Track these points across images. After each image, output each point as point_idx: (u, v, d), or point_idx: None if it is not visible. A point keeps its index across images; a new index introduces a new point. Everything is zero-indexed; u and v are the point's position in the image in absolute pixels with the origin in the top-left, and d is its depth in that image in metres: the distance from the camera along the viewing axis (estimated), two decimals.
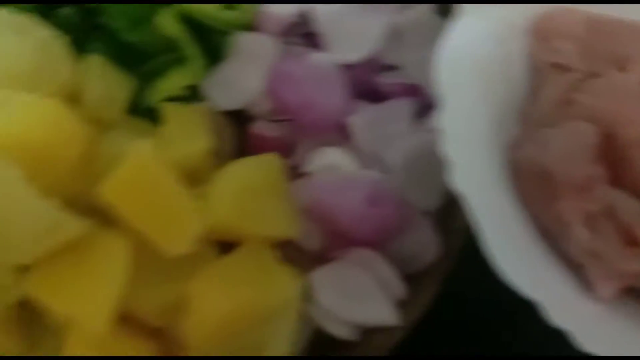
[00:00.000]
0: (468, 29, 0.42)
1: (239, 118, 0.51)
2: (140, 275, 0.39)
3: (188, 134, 0.45)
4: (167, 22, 0.48)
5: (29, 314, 0.41)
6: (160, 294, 0.40)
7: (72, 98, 0.43)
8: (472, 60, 0.42)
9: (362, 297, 0.44)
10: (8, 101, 0.40)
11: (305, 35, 0.50)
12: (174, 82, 0.49)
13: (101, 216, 0.41)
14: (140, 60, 0.50)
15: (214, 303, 0.40)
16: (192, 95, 0.50)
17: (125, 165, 0.39)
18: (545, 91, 0.44)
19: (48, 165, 0.40)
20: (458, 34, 0.41)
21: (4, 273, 0.40)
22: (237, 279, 0.41)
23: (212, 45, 0.50)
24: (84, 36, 0.48)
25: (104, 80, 0.45)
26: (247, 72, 0.49)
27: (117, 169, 0.39)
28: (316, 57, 0.46)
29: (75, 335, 0.38)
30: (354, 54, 0.46)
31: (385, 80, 0.46)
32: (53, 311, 0.39)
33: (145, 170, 0.40)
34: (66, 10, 0.49)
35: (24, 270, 0.40)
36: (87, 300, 0.38)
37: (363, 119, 0.45)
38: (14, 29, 0.43)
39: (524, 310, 0.38)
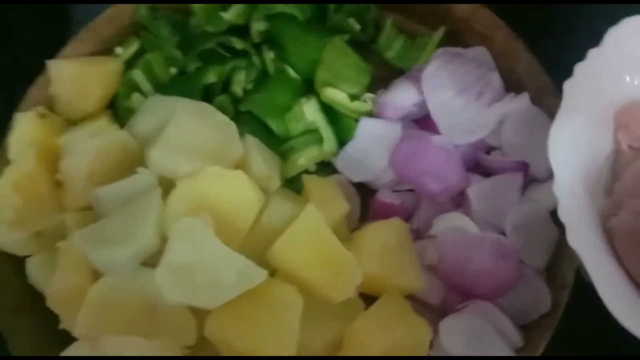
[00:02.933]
0: (569, 120, 0.51)
1: (359, 189, 0.60)
2: (304, 319, 0.46)
3: (329, 202, 0.53)
4: (310, 109, 0.57)
5: None
6: (322, 335, 0.47)
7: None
8: (573, 145, 0.51)
9: (485, 344, 0.50)
10: (199, 171, 0.48)
11: (417, 120, 0.60)
12: (310, 158, 0.58)
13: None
14: (278, 141, 0.59)
15: (371, 343, 0.46)
16: (324, 169, 0.59)
17: (299, 224, 0.47)
18: (631, 169, 0.53)
19: (230, 227, 0.48)
20: (563, 123, 0.50)
21: (186, 316, 0.47)
22: (387, 323, 0.48)
23: (341, 127, 0.59)
24: (233, 120, 0.57)
25: (263, 157, 0.53)
26: (372, 151, 0.58)
27: (292, 227, 0.47)
28: (436, 139, 0.55)
29: None
30: (469, 137, 0.55)
31: (496, 158, 0.55)
32: (236, 349, 0.45)
33: (315, 228, 0.48)
34: (220, 99, 0.59)
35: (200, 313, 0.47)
36: (274, 340, 0.44)
37: (479, 189, 0.54)
38: (198, 114, 0.52)
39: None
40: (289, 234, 0.47)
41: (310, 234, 0.47)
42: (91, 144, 0.52)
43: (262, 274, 0.45)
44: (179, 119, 0.51)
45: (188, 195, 0.48)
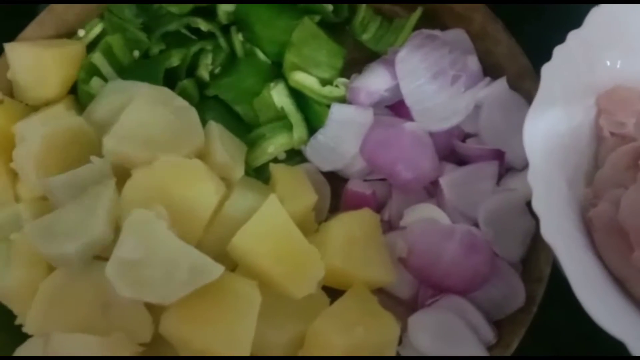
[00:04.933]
0: (547, 105, 0.48)
1: (331, 178, 0.57)
2: (265, 316, 0.44)
3: (295, 192, 0.51)
4: (279, 94, 0.55)
5: None
6: (284, 333, 0.45)
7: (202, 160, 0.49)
8: (551, 131, 0.48)
9: (455, 340, 0.48)
10: (154, 160, 0.46)
11: (391, 106, 0.58)
12: (279, 145, 0.56)
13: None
14: (247, 127, 0.57)
15: (333, 341, 0.44)
16: (294, 157, 0.57)
17: (259, 216, 0.45)
18: (612, 158, 0.50)
19: (187, 219, 0.46)
20: (540, 108, 0.48)
21: (141, 312, 0.45)
22: (350, 320, 0.45)
23: (312, 113, 0.57)
24: (199, 105, 0.55)
25: (225, 145, 0.51)
26: (343, 139, 0.55)
27: (252, 219, 0.45)
28: (409, 126, 0.53)
29: None
30: (443, 124, 0.53)
31: (471, 145, 0.53)
32: (191, 346, 0.43)
33: (276, 220, 0.45)
34: (183, 83, 0.56)
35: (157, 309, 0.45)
36: (229, 337, 0.42)
37: (452, 178, 0.51)
38: (156, 100, 0.49)
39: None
40: (249, 226, 0.45)
41: (271, 226, 0.45)
42: (40, 131, 0.49)
43: (217, 270, 0.43)
44: (135, 105, 0.48)
45: (143, 186, 0.46)
